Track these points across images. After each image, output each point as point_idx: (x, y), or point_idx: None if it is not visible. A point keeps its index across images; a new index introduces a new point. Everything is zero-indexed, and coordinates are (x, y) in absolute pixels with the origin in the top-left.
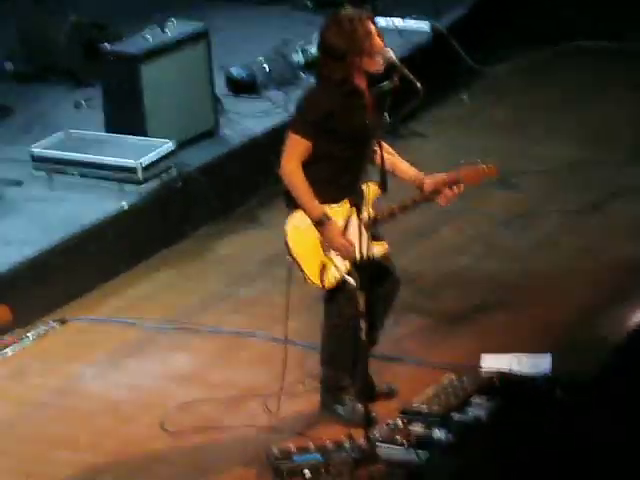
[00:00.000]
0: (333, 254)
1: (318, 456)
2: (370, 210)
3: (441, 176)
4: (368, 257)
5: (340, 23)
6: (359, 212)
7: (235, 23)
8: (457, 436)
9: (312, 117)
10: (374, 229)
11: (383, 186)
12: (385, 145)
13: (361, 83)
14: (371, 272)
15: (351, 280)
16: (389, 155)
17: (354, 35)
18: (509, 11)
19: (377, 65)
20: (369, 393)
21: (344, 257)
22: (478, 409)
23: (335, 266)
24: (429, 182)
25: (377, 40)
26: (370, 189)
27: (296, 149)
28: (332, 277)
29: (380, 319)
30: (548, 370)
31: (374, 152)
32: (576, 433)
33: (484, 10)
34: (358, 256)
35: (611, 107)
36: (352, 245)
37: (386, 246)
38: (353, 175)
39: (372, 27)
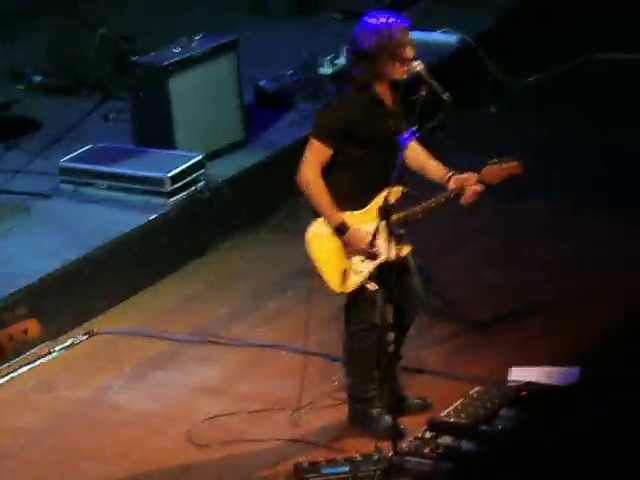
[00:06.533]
0: (354, 260)
1: (346, 468)
2: (395, 213)
3: (466, 175)
4: (396, 261)
5: (378, 25)
6: (387, 218)
7: (263, 36)
8: (485, 448)
9: (333, 124)
10: (400, 232)
11: (406, 188)
12: (414, 144)
13: (384, 91)
14: (397, 274)
15: (372, 286)
16: (417, 155)
17: (390, 40)
18: (540, 22)
19: (403, 74)
20: (398, 405)
21: (370, 260)
22: (507, 421)
23: (356, 272)
24: (454, 181)
25: (409, 50)
26: (394, 192)
27: (316, 156)
28: (353, 283)
29: (403, 332)
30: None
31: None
32: (608, 443)
33: (513, 22)
34: (384, 259)
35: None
36: (378, 250)
37: (410, 247)
38: (378, 181)
39: (408, 35)
